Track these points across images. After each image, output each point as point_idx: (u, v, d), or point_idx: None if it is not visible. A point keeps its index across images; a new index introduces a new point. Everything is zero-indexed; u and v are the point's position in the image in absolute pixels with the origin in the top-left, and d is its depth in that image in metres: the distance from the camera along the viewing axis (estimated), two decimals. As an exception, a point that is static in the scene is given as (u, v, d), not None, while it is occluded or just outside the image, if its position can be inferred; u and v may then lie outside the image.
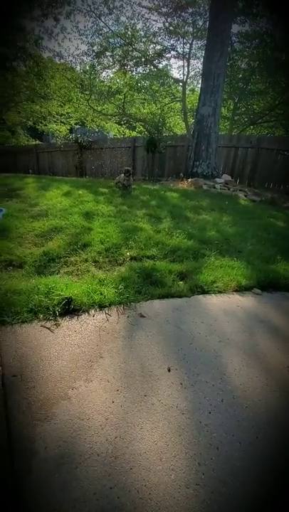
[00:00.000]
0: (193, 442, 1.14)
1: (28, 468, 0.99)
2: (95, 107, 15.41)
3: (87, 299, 1.85)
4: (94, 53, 14.67)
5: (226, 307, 2.06)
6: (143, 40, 14.47)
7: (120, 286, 2.03)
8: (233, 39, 11.94)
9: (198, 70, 15.65)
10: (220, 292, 2.22)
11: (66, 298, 1.79)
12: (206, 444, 1.14)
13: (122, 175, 5.45)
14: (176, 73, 33.68)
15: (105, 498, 0.93)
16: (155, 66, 15.25)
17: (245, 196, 6.99)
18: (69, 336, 1.59)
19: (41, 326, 1.64)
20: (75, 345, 1.54)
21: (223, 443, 1.15)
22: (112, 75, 16.43)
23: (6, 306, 1.68)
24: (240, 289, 2.31)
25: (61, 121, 16.62)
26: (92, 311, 1.82)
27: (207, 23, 9.98)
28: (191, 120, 14.00)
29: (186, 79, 15.43)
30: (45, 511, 0.89)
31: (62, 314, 1.74)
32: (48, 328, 1.62)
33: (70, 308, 1.77)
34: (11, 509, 0.89)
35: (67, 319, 1.72)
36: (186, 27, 13.89)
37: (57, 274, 2.20)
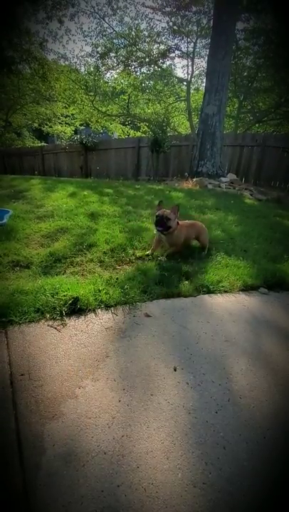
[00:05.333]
0: (199, 442, 1.14)
1: (38, 465, 1.00)
2: (100, 108, 15.48)
3: (93, 298, 1.87)
4: (98, 54, 14.75)
5: (232, 307, 2.06)
6: (147, 40, 14.50)
7: (126, 286, 2.04)
8: (238, 36, 11.86)
9: (202, 68, 15.60)
10: (226, 292, 2.22)
11: (72, 298, 1.81)
12: (212, 444, 1.14)
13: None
14: (180, 72, 33.59)
15: (113, 496, 0.94)
16: (159, 66, 15.24)
17: (251, 195, 6.94)
18: (75, 336, 1.61)
19: (48, 325, 1.66)
20: (81, 344, 1.55)
21: (230, 443, 1.15)
22: (116, 76, 16.50)
23: (13, 306, 1.70)
24: (247, 289, 2.29)
25: (66, 123, 16.75)
26: (99, 310, 1.83)
27: (211, 21, 9.93)
28: (196, 119, 13.95)
29: (191, 78, 15.40)
30: (54, 507, 0.90)
31: (69, 314, 1.75)
32: (55, 328, 1.64)
33: (76, 308, 1.79)
34: (21, 505, 0.91)
35: (74, 319, 1.73)
36: (190, 26, 13.88)
37: (63, 274, 2.22)
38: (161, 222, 2.41)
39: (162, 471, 1.03)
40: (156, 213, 2.46)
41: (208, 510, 0.94)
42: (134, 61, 14.68)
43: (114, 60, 14.91)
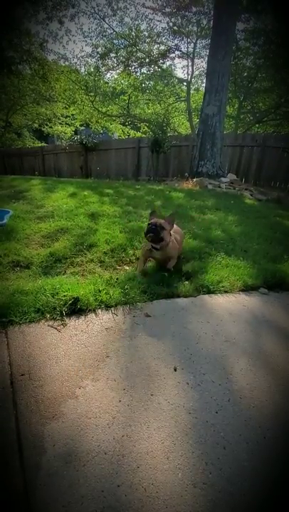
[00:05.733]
0: (200, 442, 1.14)
1: (38, 465, 1.00)
2: (100, 109, 15.50)
3: (93, 299, 1.87)
4: (98, 55, 14.78)
5: (232, 307, 2.06)
6: (147, 40, 14.53)
7: (126, 286, 2.04)
8: (238, 36, 11.87)
9: (202, 69, 15.62)
10: (226, 292, 2.22)
11: (73, 298, 1.81)
12: (213, 444, 1.14)
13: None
14: (180, 73, 33.68)
15: (113, 496, 0.94)
16: (159, 66, 15.26)
17: (251, 195, 6.94)
18: (76, 336, 1.61)
19: (48, 325, 1.66)
20: (81, 344, 1.55)
21: (231, 443, 1.15)
22: (116, 76, 16.52)
23: (13, 306, 1.70)
24: (247, 289, 2.29)
25: (66, 123, 16.76)
26: (99, 310, 1.83)
27: (211, 21, 9.95)
28: (196, 120, 13.96)
29: (191, 78, 15.43)
30: (54, 507, 0.90)
31: (69, 314, 1.75)
32: (55, 328, 1.64)
33: (76, 308, 1.79)
34: (21, 505, 0.91)
35: (74, 319, 1.74)
36: (190, 26, 13.91)
37: (63, 274, 2.22)
38: (154, 231, 2.06)
39: (162, 471, 1.03)
40: (149, 221, 2.14)
41: (208, 510, 0.94)
42: (135, 61, 14.70)
43: (115, 60, 14.94)
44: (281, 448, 1.15)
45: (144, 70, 15.42)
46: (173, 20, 13.74)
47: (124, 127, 17.27)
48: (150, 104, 16.49)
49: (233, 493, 0.99)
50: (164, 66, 15.84)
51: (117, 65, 15.05)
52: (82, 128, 16.73)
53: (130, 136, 17.00)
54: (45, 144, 17.54)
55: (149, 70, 15.52)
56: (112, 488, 0.96)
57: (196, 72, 16.47)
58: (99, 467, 1.02)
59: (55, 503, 0.91)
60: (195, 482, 1.01)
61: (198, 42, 14.49)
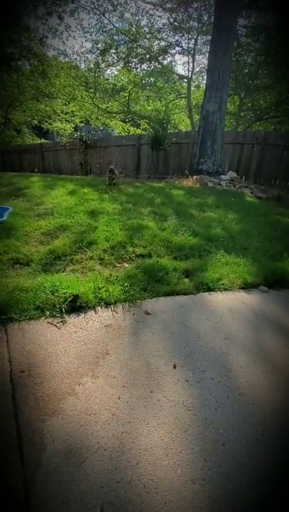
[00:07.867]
0: (199, 438, 1.14)
1: (38, 462, 1.01)
2: (100, 105, 15.40)
3: (93, 296, 1.87)
4: (98, 51, 14.63)
5: (232, 304, 2.06)
6: (147, 36, 14.38)
7: (126, 284, 2.04)
8: (239, 33, 11.77)
9: (203, 65, 15.49)
10: (226, 290, 2.22)
11: (72, 295, 1.81)
12: (212, 441, 1.14)
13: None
14: (181, 69, 33.38)
15: (112, 492, 0.95)
16: (160, 63, 15.15)
17: (251, 193, 6.92)
18: (75, 333, 1.61)
19: (48, 322, 1.66)
20: (81, 341, 1.55)
21: (230, 439, 1.15)
22: (116, 73, 16.40)
23: (13, 304, 1.70)
24: (247, 287, 2.29)
25: (66, 120, 16.66)
26: (98, 308, 1.83)
27: (212, 17, 9.86)
28: (197, 117, 13.89)
29: (191, 75, 15.31)
30: (54, 504, 0.91)
31: (69, 311, 1.75)
32: (55, 325, 1.64)
33: (76, 306, 1.79)
34: (21, 502, 0.91)
35: (74, 316, 1.73)
36: (190, 22, 13.76)
37: (63, 271, 2.21)
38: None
39: (162, 467, 1.03)
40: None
41: (207, 506, 0.94)
42: (135, 58, 14.57)
43: (115, 56, 14.81)
44: (280, 445, 1.16)
45: (144, 66, 15.29)
46: (174, 16, 13.61)
47: (124, 124, 17.18)
48: (150, 101, 16.37)
49: (232, 489, 0.99)
50: (165, 62, 15.71)
51: (117, 61, 14.93)
52: (82, 125, 16.63)
53: (130, 133, 16.92)
54: (45, 141, 17.44)
55: (149, 67, 15.39)
56: (111, 484, 0.97)
57: (197, 69, 16.36)
58: (98, 463, 1.02)
59: (54, 500, 0.92)
60: (194, 478, 1.01)
61: (199, 38, 14.35)
